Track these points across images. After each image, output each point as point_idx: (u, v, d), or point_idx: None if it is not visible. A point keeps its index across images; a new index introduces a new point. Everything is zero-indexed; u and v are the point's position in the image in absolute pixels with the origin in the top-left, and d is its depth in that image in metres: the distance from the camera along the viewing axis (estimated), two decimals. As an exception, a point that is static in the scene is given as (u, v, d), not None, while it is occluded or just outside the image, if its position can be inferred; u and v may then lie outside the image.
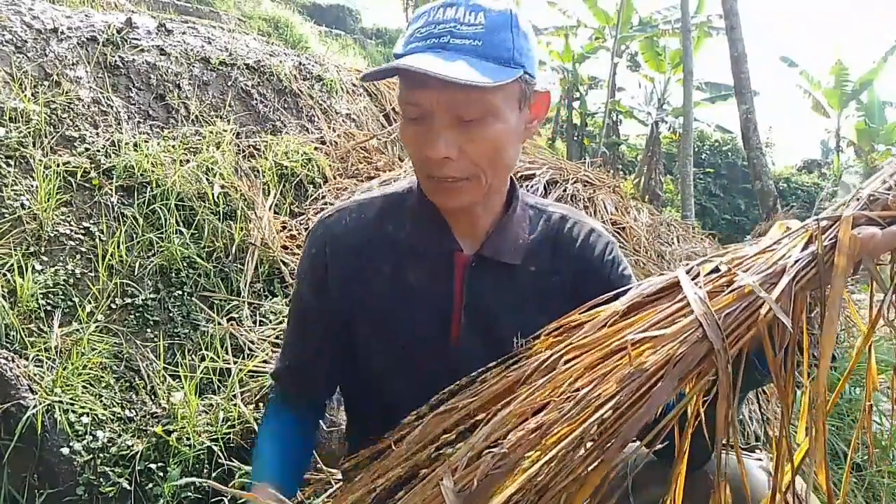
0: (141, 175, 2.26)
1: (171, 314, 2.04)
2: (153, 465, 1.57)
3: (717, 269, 0.68)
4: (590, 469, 0.61)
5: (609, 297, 0.75)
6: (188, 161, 2.40)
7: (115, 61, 2.68)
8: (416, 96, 0.83)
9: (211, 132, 2.63)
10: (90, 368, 1.72)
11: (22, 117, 2.21)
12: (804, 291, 0.62)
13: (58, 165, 2.13)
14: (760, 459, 0.83)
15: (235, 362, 1.86)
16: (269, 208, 2.49)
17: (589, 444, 0.61)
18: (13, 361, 1.60)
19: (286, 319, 1.07)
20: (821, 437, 0.62)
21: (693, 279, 0.67)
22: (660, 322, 0.65)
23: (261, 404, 1.73)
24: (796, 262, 0.62)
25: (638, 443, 0.95)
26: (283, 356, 1.06)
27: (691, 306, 0.63)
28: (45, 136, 2.22)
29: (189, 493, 1.55)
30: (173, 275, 2.11)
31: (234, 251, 2.26)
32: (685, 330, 0.63)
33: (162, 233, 2.16)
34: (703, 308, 0.62)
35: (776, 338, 0.61)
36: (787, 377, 0.62)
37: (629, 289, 0.74)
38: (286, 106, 3.16)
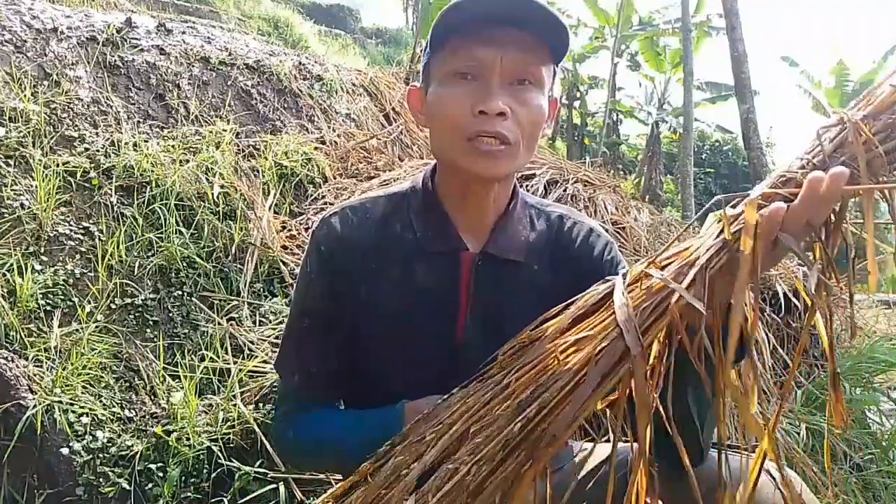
0: (140, 175, 2.26)
1: (170, 314, 2.04)
2: (153, 466, 1.57)
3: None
4: (523, 469, 0.62)
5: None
6: (188, 161, 2.40)
7: (115, 61, 2.68)
8: (479, 51, 0.84)
9: (211, 132, 2.63)
10: (90, 368, 1.72)
11: (21, 117, 2.21)
12: (722, 276, 0.63)
13: (57, 165, 2.13)
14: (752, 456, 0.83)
15: (235, 362, 1.86)
16: (269, 208, 2.49)
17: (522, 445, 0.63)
18: (13, 361, 1.60)
19: (290, 323, 1.02)
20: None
21: (625, 281, 0.70)
22: (590, 325, 0.68)
23: (261, 404, 1.72)
24: (707, 249, 0.63)
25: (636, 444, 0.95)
26: (299, 363, 1.00)
27: (615, 308, 0.66)
28: (45, 136, 2.22)
29: (189, 494, 1.55)
30: (173, 275, 2.11)
31: (233, 251, 2.25)
32: (606, 329, 0.65)
33: (161, 233, 2.16)
34: (622, 308, 0.65)
35: (701, 324, 0.63)
36: (718, 360, 0.63)
37: (575, 301, 0.75)
38: (286, 106, 3.15)
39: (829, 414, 0.70)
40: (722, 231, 0.64)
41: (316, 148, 2.96)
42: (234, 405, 1.69)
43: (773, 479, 0.83)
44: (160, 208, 2.20)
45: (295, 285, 1.05)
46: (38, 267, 1.88)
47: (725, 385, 0.63)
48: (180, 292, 2.09)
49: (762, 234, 0.60)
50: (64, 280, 1.90)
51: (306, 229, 2.52)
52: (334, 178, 2.89)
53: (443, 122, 0.88)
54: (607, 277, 0.73)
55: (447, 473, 0.64)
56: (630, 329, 0.62)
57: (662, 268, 0.67)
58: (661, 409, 0.65)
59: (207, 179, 2.37)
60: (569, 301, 0.75)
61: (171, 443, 1.59)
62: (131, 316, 1.97)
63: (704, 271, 0.62)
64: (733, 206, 0.65)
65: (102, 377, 1.74)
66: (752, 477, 0.67)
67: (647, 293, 0.65)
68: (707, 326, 0.63)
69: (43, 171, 2.07)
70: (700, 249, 0.64)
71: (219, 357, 1.89)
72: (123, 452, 1.57)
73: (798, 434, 2.00)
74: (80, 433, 1.57)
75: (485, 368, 0.76)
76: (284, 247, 2.40)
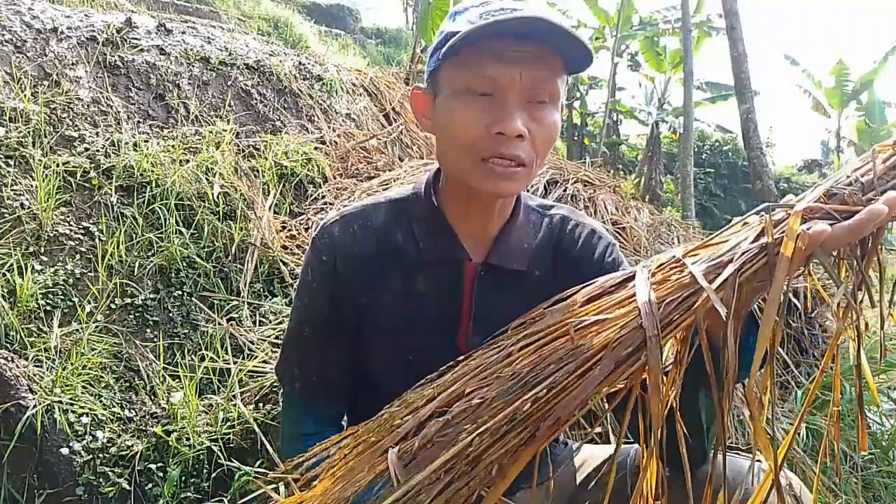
0: (140, 175, 2.26)
1: (170, 314, 2.04)
2: (153, 466, 1.57)
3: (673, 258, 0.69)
4: (522, 446, 0.62)
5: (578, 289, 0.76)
6: (188, 161, 2.40)
7: (115, 61, 2.68)
8: (496, 69, 0.81)
9: (211, 132, 2.63)
10: (90, 368, 1.72)
11: (21, 117, 2.21)
12: (750, 283, 0.62)
13: (57, 165, 2.13)
14: (760, 461, 0.83)
15: (235, 362, 1.86)
16: (269, 208, 2.49)
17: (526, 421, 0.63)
18: (13, 361, 1.60)
19: (291, 329, 1.01)
20: (759, 426, 0.63)
21: (649, 269, 0.68)
22: (608, 309, 0.66)
23: (261, 404, 1.72)
24: (744, 252, 0.62)
25: (636, 445, 0.95)
26: (300, 371, 0.99)
27: (637, 294, 0.64)
28: (45, 136, 2.22)
29: (189, 494, 1.55)
30: (173, 275, 2.11)
31: (233, 251, 2.25)
32: (626, 316, 0.64)
33: (161, 233, 2.16)
34: (644, 296, 0.63)
35: (729, 326, 0.62)
36: (731, 369, 0.62)
37: (594, 281, 0.74)
38: (286, 106, 3.15)
39: (830, 415, 0.69)
40: (760, 235, 0.63)
41: (316, 148, 2.96)
42: (234, 405, 1.69)
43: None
44: (160, 208, 2.20)
45: (295, 293, 1.04)
46: (38, 267, 1.88)
47: (732, 394, 0.63)
48: (180, 292, 2.09)
49: (801, 249, 0.59)
50: (64, 280, 1.90)
51: (306, 229, 2.52)
52: (334, 178, 2.89)
53: (455, 138, 0.85)
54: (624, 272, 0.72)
55: (437, 425, 0.64)
56: (650, 322, 0.61)
57: (693, 258, 0.65)
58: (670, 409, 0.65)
59: (207, 179, 2.36)
60: (587, 282, 0.74)
61: (171, 443, 1.59)
62: (131, 316, 1.97)
63: (736, 275, 0.61)
64: (772, 212, 0.64)
65: (102, 377, 1.74)
66: (762, 495, 0.67)
67: (675, 286, 0.64)
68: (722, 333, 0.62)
69: (43, 171, 2.07)
70: (736, 250, 0.63)
71: (219, 357, 1.89)
72: (123, 452, 1.57)
73: (798, 434, 2.00)
74: (80, 433, 1.57)
75: (492, 339, 0.75)
76: (284, 247, 2.40)
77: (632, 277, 0.69)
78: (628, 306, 0.65)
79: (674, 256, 0.68)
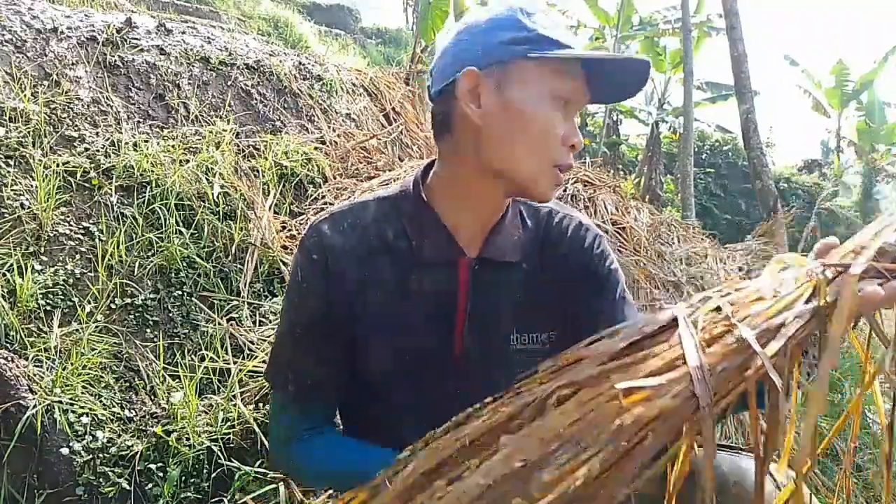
0: (140, 175, 2.26)
1: (170, 314, 2.04)
2: (153, 466, 1.57)
3: (718, 309, 0.66)
4: None
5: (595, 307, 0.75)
6: (188, 161, 2.40)
7: (115, 61, 2.68)
8: (580, 88, 0.89)
9: (211, 132, 2.63)
10: (90, 368, 1.72)
11: (21, 117, 2.21)
12: (801, 346, 0.62)
13: (57, 165, 2.13)
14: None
15: (235, 362, 1.86)
16: (269, 208, 2.49)
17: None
18: (13, 361, 1.60)
19: (282, 332, 0.99)
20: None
21: (692, 319, 0.65)
22: (655, 369, 0.63)
23: (260, 404, 1.72)
24: (797, 316, 0.61)
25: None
26: (293, 374, 0.97)
27: (686, 357, 0.61)
28: (45, 136, 2.22)
29: (189, 494, 1.55)
30: (173, 275, 2.11)
31: (233, 251, 2.25)
32: (677, 382, 0.60)
33: (161, 233, 2.16)
34: (695, 360, 0.61)
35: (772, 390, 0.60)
36: (773, 428, 0.61)
37: (626, 328, 0.70)
38: (286, 106, 3.15)
39: (827, 413, 0.69)
40: (813, 296, 0.62)
41: (316, 148, 2.96)
42: (234, 405, 1.69)
43: (774, 479, 0.83)
44: (160, 208, 2.20)
45: (284, 295, 1.02)
46: (38, 267, 1.88)
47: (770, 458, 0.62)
48: (180, 292, 2.09)
49: (854, 314, 0.59)
50: (64, 280, 1.90)
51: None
52: (334, 178, 2.89)
53: (535, 138, 0.86)
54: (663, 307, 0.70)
55: (479, 489, 0.59)
56: (704, 391, 0.58)
57: (740, 318, 0.63)
58: None
59: (207, 179, 2.36)
60: (621, 325, 0.72)
61: (171, 443, 1.59)
62: (131, 316, 1.97)
63: (790, 341, 0.59)
64: (826, 270, 0.63)
65: (102, 377, 1.74)
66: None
67: (727, 352, 0.61)
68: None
69: (43, 171, 2.07)
70: (787, 314, 0.62)
71: (219, 357, 1.89)
72: (123, 452, 1.57)
73: (797, 434, 2.00)
74: (80, 433, 1.57)
75: (521, 382, 0.71)
76: (284, 247, 2.40)
77: (674, 324, 0.66)
78: (678, 371, 0.61)
79: (719, 308, 0.65)
